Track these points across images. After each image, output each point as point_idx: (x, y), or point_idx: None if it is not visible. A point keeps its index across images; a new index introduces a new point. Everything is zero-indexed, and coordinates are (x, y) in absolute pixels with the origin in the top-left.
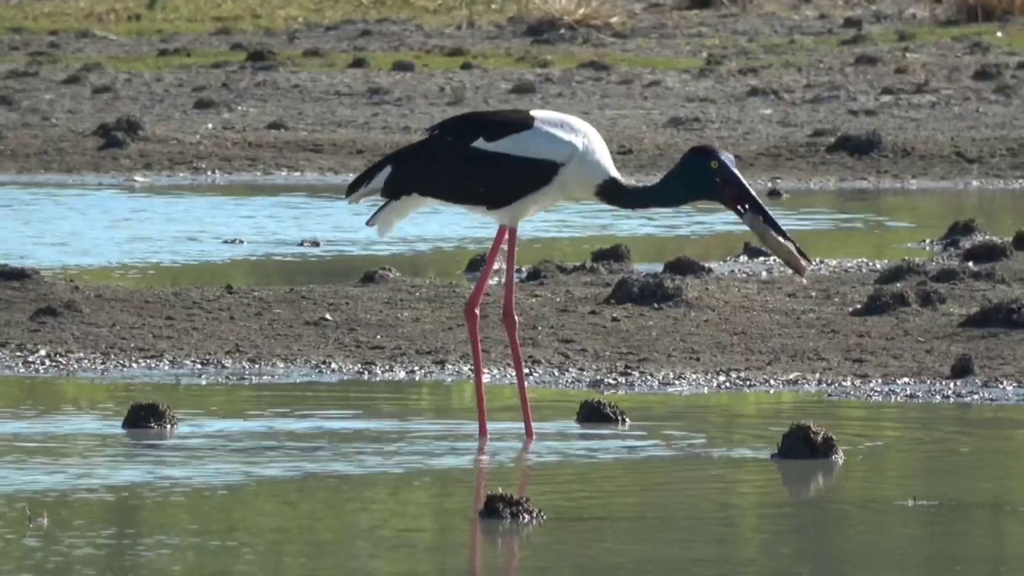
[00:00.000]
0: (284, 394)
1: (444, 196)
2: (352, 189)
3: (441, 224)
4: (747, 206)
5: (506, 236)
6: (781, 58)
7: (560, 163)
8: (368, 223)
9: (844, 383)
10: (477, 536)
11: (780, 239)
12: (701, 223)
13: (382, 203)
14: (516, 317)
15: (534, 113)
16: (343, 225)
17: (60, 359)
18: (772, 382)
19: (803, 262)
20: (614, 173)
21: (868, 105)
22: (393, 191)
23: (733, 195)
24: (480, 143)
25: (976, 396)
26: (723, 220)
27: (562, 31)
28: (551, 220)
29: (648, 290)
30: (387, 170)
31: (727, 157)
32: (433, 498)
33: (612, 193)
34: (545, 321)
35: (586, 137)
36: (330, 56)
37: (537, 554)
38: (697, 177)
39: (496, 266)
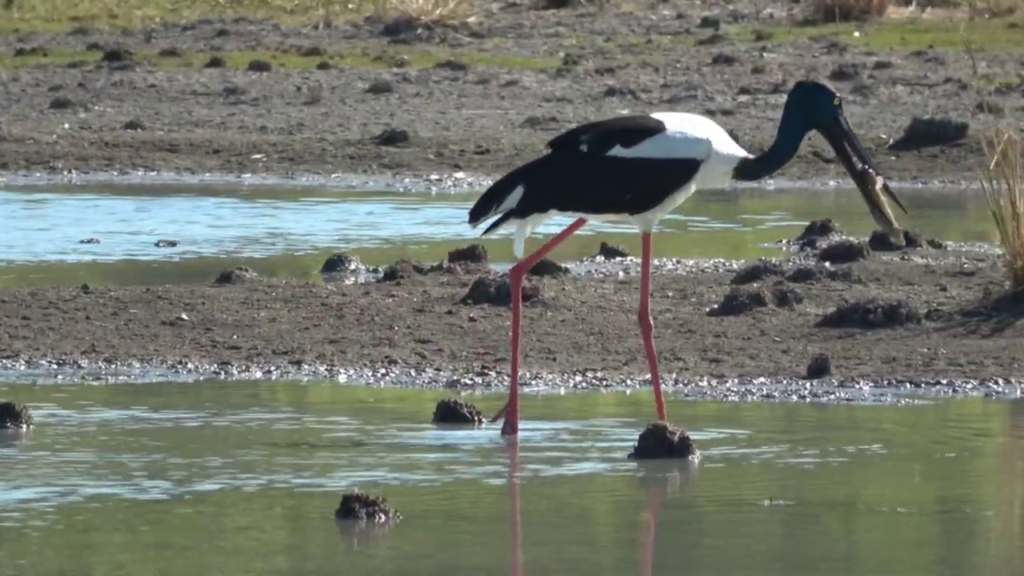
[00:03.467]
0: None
1: (587, 208)
2: (480, 212)
3: (297, 224)
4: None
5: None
6: (638, 58)
7: (701, 160)
8: (484, 232)
9: (701, 383)
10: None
11: (887, 207)
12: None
13: (498, 218)
14: (651, 320)
15: (656, 116)
16: (199, 225)
17: None
18: (629, 382)
19: (897, 227)
20: (741, 154)
21: (725, 105)
22: (529, 209)
23: (845, 139)
24: (618, 151)
25: (832, 396)
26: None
27: (419, 31)
28: (407, 220)
29: (505, 290)
30: (519, 189)
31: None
32: (289, 500)
33: (746, 171)
34: (402, 321)
35: (711, 130)
36: (187, 56)
37: (392, 555)
38: (811, 106)
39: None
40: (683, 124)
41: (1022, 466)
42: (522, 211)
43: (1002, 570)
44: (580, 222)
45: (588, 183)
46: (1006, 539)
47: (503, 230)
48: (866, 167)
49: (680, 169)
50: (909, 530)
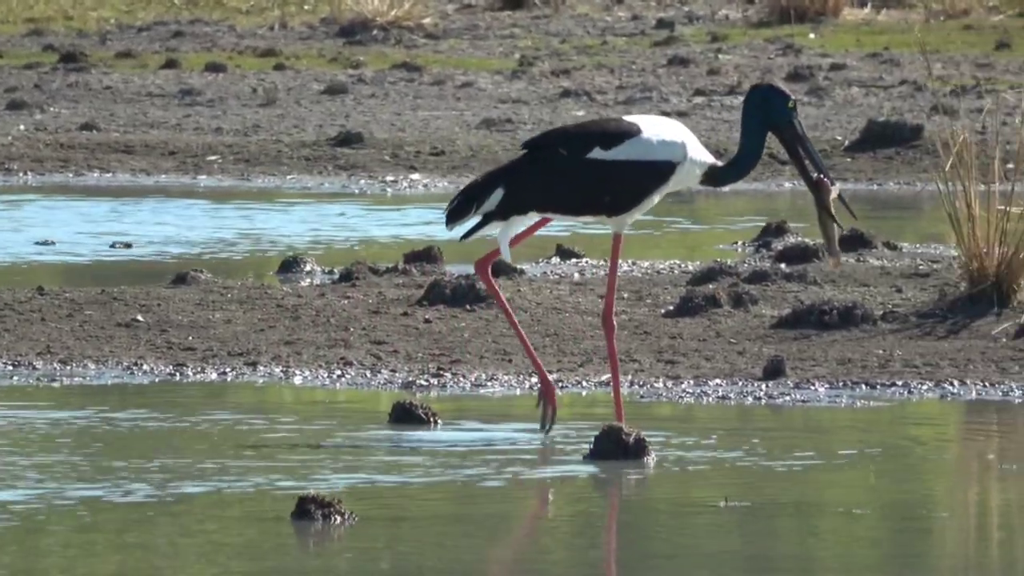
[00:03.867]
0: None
1: (567, 210)
2: (458, 215)
3: (253, 225)
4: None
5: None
6: (593, 59)
7: (677, 162)
8: (464, 237)
9: (656, 384)
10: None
11: (835, 223)
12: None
13: (478, 222)
14: (614, 321)
15: (628, 118)
16: (155, 226)
17: None
18: (585, 383)
19: (838, 252)
20: (711, 160)
21: (680, 106)
22: (509, 211)
23: (800, 144)
24: (598, 153)
25: (788, 397)
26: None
27: (375, 32)
28: (362, 221)
29: (460, 292)
30: (499, 192)
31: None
32: (245, 501)
33: (715, 177)
34: (357, 323)
35: (684, 133)
36: (142, 57)
37: (347, 556)
38: (768, 108)
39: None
40: (657, 127)
41: (977, 467)
42: (503, 213)
43: (957, 570)
44: (543, 221)
45: (568, 185)
46: (961, 539)
47: (484, 232)
48: (821, 175)
49: (658, 171)
50: (864, 531)
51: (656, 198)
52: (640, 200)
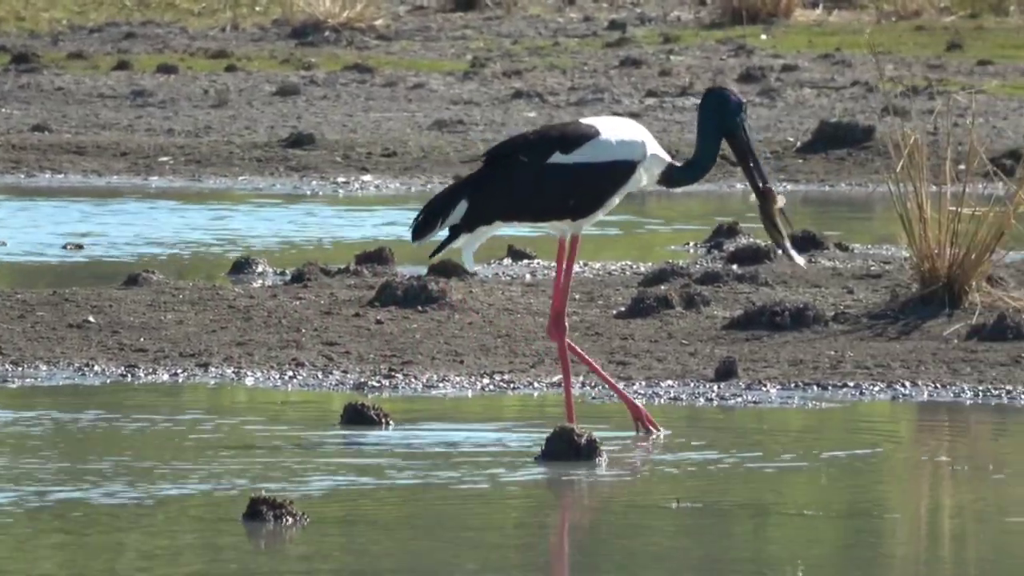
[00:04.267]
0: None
1: (531, 216)
2: (425, 229)
3: (204, 226)
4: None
5: (564, 245)
6: (545, 60)
7: (637, 161)
8: (434, 255)
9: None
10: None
11: (780, 231)
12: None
13: (447, 236)
14: (566, 323)
15: (584, 121)
16: (107, 228)
17: None
18: (536, 384)
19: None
20: (668, 159)
21: (632, 107)
22: (475, 222)
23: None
24: (558, 157)
25: (739, 398)
26: None
27: (326, 34)
28: (314, 222)
29: (412, 293)
30: (463, 204)
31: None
32: (196, 502)
33: (672, 177)
34: (309, 324)
35: (643, 133)
36: (94, 59)
37: (299, 557)
38: (724, 111)
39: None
40: (616, 127)
41: (929, 468)
42: (469, 225)
43: (908, 571)
44: (563, 244)
45: (531, 192)
46: (912, 540)
47: (453, 246)
48: (767, 185)
49: (619, 171)
50: (816, 532)
51: (617, 199)
52: (603, 202)
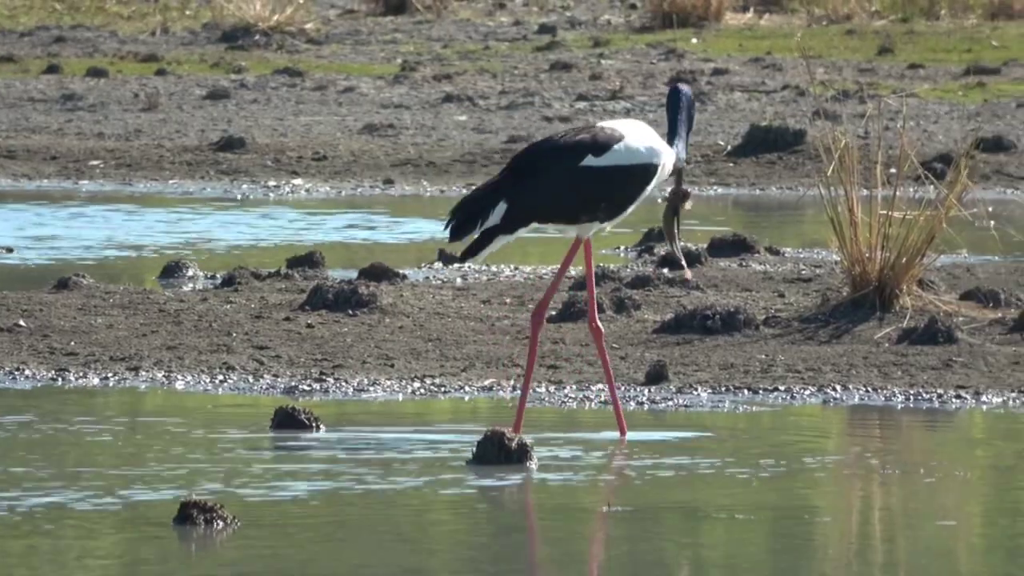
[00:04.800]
0: None
1: (565, 218)
2: (464, 231)
3: (135, 230)
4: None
5: (574, 246)
6: (476, 64)
7: (659, 164)
8: (466, 258)
9: (539, 389)
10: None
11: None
12: (407, 229)
13: (479, 239)
14: (600, 325)
15: (603, 125)
16: (37, 232)
17: None
18: (467, 388)
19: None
20: (672, 150)
21: (563, 112)
22: (514, 224)
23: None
24: (591, 160)
25: (670, 402)
26: (415, 226)
27: (257, 37)
28: (245, 226)
29: (343, 296)
30: (502, 206)
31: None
32: (127, 506)
33: (676, 167)
34: (240, 328)
35: (655, 136)
36: (24, 62)
37: (230, 561)
38: (689, 108)
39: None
40: (637, 131)
41: (859, 472)
42: (509, 227)
43: (838, 573)
44: (576, 245)
45: (567, 194)
46: (842, 543)
47: (489, 249)
48: (686, 188)
49: (648, 173)
50: (747, 535)
51: (641, 199)
52: (633, 201)
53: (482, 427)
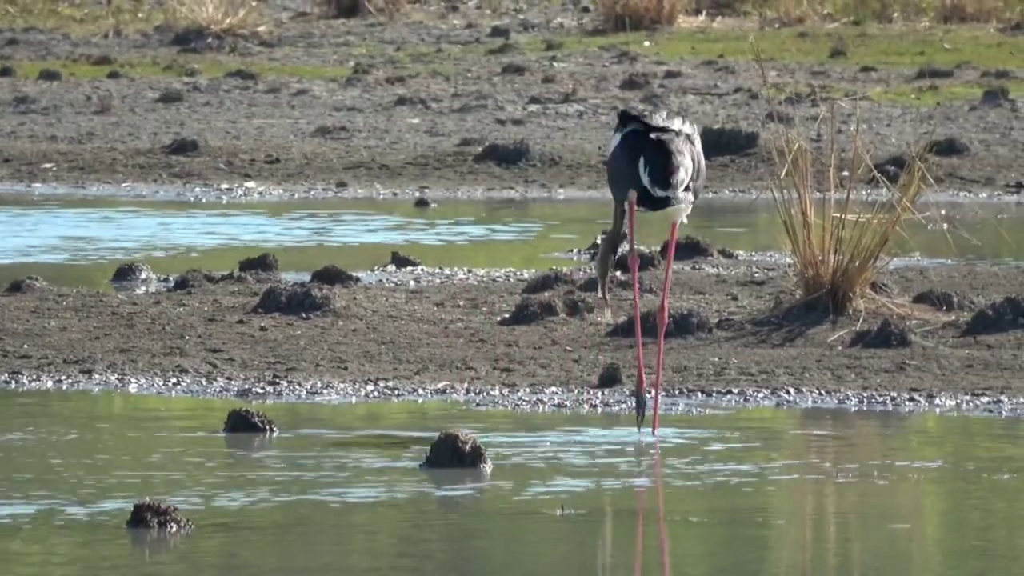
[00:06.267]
0: None
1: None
2: (682, 184)
3: (88, 233)
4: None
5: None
6: (429, 67)
7: None
8: (674, 202)
9: (492, 392)
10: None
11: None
12: (360, 232)
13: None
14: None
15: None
16: None
17: None
18: (420, 391)
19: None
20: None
21: (516, 115)
22: (687, 184)
23: None
24: (698, 144)
25: (624, 405)
26: (368, 229)
27: (209, 40)
28: (198, 229)
29: (296, 299)
30: (681, 172)
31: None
32: (80, 509)
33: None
34: (193, 330)
35: None
36: None
37: (183, 564)
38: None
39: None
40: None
41: (812, 475)
42: (687, 186)
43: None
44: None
45: (700, 166)
46: (794, 546)
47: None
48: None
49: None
50: (699, 538)
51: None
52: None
53: (436, 430)
